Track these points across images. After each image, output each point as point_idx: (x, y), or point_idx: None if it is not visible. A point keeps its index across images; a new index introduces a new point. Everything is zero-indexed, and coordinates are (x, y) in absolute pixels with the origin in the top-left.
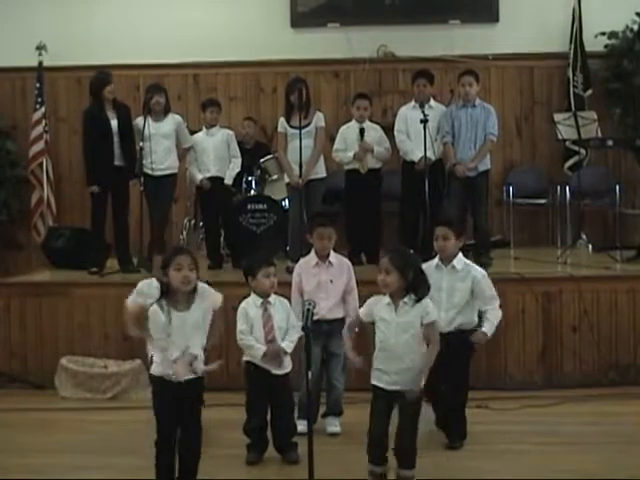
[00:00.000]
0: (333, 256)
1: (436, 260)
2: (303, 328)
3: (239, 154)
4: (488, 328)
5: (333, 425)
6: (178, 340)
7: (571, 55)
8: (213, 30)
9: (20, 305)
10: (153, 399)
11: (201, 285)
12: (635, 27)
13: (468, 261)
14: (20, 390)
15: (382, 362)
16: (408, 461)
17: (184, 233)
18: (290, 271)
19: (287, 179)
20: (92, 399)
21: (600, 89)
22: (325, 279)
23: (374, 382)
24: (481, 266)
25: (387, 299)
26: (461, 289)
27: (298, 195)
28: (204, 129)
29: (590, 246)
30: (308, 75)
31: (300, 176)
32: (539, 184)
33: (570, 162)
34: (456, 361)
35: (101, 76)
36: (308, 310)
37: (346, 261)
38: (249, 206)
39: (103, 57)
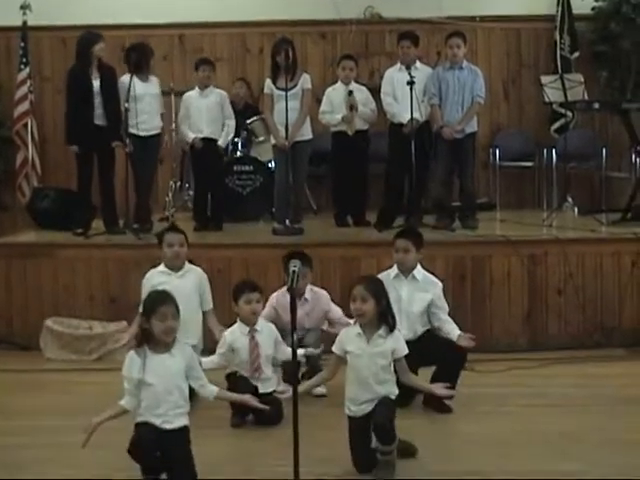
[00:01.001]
0: (308, 292)
1: (395, 270)
2: (288, 289)
3: (233, 116)
4: (459, 332)
5: (319, 386)
6: (158, 385)
7: (558, 17)
8: None
9: (5, 266)
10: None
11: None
12: None
13: (427, 273)
14: (5, 351)
15: (354, 392)
16: (388, 437)
17: (169, 195)
18: (276, 232)
19: (273, 141)
20: (77, 360)
21: (587, 51)
22: (302, 313)
23: (347, 412)
24: (467, 229)
25: (357, 329)
26: (420, 299)
27: (284, 157)
28: (197, 89)
29: (576, 209)
30: (295, 36)
31: (286, 138)
32: (526, 147)
33: (557, 125)
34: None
35: (90, 35)
36: (294, 272)
37: (323, 293)
38: (235, 167)
39: (88, 17)
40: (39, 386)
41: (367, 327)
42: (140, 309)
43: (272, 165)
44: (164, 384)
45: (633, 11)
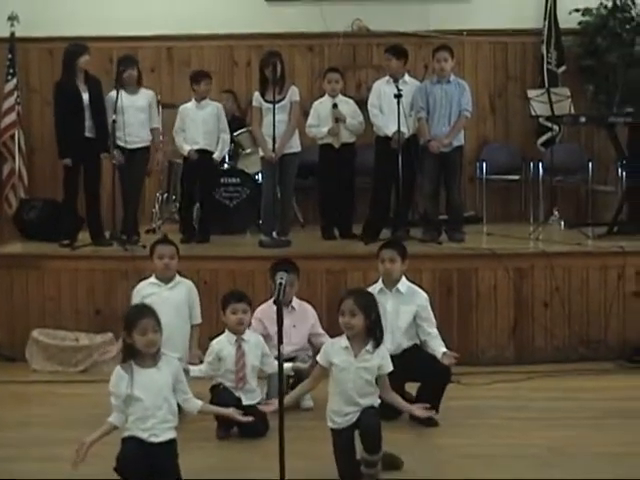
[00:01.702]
0: (296, 302)
1: (380, 284)
2: (275, 301)
3: (227, 129)
4: (444, 349)
5: (307, 399)
6: (147, 400)
7: (545, 31)
8: (187, 3)
9: None
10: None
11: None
12: (609, 4)
13: (412, 285)
14: None
15: (337, 404)
16: (374, 444)
17: (156, 207)
18: (263, 245)
19: (261, 153)
20: (63, 372)
21: (574, 66)
22: (288, 324)
23: (330, 425)
24: (454, 242)
25: (344, 342)
26: (406, 312)
27: (272, 169)
28: (194, 101)
29: (562, 222)
30: (282, 49)
31: (274, 150)
32: (512, 160)
33: (543, 138)
34: (434, 389)
35: (75, 47)
36: (280, 284)
37: (309, 307)
38: (222, 180)
39: (76, 29)
40: (25, 398)
41: (355, 341)
42: None
43: (259, 177)
44: (152, 399)
45: (619, 26)
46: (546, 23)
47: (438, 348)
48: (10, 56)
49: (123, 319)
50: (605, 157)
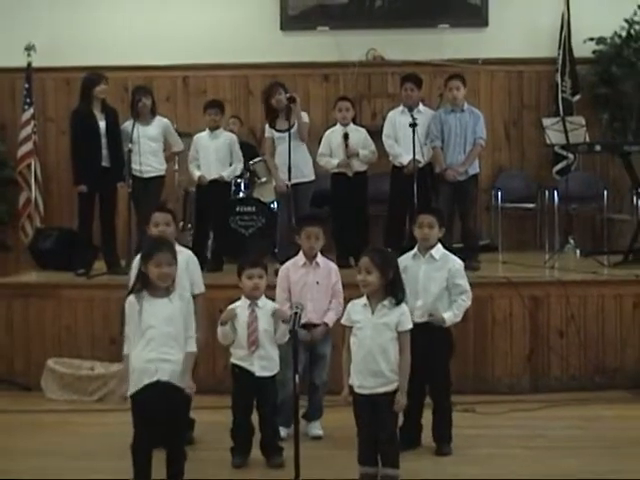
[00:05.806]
0: (320, 258)
1: (414, 250)
2: (290, 331)
3: (242, 159)
4: (448, 316)
5: (316, 428)
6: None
7: (560, 60)
8: (203, 32)
9: (7, 306)
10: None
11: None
12: (623, 33)
13: (446, 251)
14: (6, 392)
15: (358, 363)
16: (391, 459)
17: None
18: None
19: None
20: (79, 401)
21: (588, 94)
22: (312, 280)
23: (353, 386)
24: (469, 270)
25: (363, 300)
26: (437, 278)
27: (287, 198)
28: (207, 130)
29: (578, 251)
30: (297, 78)
31: (289, 179)
32: (527, 189)
33: (558, 167)
34: (436, 358)
35: (92, 76)
36: (296, 313)
37: (333, 264)
38: (238, 208)
39: (92, 58)
40: (40, 427)
41: (373, 298)
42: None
43: (274, 206)
44: (161, 326)
45: (634, 55)
46: (560, 52)
47: (442, 313)
48: (27, 86)
49: (142, 250)
50: (620, 185)
